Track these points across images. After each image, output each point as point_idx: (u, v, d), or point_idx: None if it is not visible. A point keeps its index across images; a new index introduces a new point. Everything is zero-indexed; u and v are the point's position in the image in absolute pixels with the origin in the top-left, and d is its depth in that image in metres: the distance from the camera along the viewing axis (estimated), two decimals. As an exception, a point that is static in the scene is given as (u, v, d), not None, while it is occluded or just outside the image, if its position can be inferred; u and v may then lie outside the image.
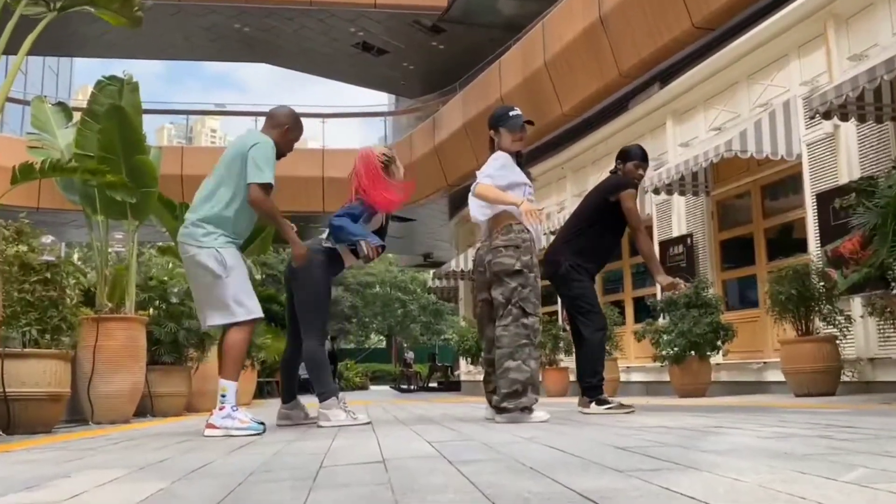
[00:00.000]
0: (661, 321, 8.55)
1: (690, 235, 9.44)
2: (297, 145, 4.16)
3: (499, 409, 3.90)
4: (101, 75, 6.77)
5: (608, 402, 4.58)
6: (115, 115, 6.06)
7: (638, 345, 9.47)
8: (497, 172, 4.06)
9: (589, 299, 4.78)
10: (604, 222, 4.84)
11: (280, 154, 3.94)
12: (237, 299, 3.68)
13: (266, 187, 3.71)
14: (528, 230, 4.00)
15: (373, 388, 28.81)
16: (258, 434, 3.50)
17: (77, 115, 7.09)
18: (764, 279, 7.96)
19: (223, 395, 3.61)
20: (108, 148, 6.07)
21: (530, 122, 4.27)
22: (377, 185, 4.25)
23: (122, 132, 6.08)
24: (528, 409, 3.84)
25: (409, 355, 27.71)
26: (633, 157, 4.97)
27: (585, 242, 4.82)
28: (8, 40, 4.64)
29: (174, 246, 10.11)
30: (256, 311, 3.72)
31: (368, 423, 4.04)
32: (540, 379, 4.08)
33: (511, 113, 4.24)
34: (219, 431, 3.52)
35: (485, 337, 4.21)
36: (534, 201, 4.12)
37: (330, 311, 4.48)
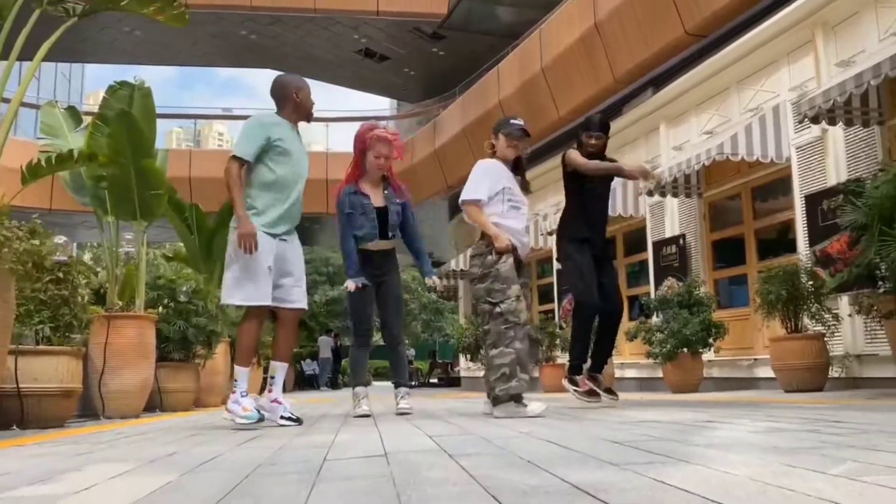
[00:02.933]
0: (653, 320, 8.55)
1: (683, 236, 9.44)
2: None
3: (494, 401, 3.85)
4: (114, 81, 6.76)
5: (576, 385, 4.63)
6: (124, 120, 6.06)
7: (631, 342, 9.47)
8: (476, 186, 4.02)
9: (577, 276, 4.78)
10: (579, 191, 4.94)
11: (306, 117, 3.91)
12: (236, 282, 3.65)
13: (234, 158, 3.68)
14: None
15: (375, 383, 28.78)
16: (252, 422, 3.53)
17: (87, 120, 7.09)
18: (754, 278, 7.95)
19: (235, 381, 3.70)
20: (117, 151, 6.07)
21: (526, 133, 4.20)
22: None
23: (131, 137, 6.07)
24: (518, 398, 3.77)
25: (410, 352, 27.69)
26: (586, 128, 5.05)
27: (571, 213, 4.91)
28: (22, 46, 4.63)
29: (181, 250, 10.13)
30: (251, 300, 3.65)
31: (366, 416, 4.23)
32: (533, 366, 4.05)
33: (512, 121, 4.24)
34: (228, 415, 3.62)
35: None
36: (518, 205, 4.10)
37: (362, 307, 4.62)
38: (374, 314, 4.75)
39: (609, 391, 4.86)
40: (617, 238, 10.95)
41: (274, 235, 3.74)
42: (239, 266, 3.65)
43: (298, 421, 3.71)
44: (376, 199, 4.62)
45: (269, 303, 3.71)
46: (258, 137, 3.71)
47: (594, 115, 5.18)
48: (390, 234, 4.62)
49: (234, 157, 3.68)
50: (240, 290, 3.66)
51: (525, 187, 4.23)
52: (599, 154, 4.99)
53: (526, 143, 4.21)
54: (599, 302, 4.73)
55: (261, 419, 3.59)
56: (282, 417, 3.68)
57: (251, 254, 3.58)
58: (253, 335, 3.77)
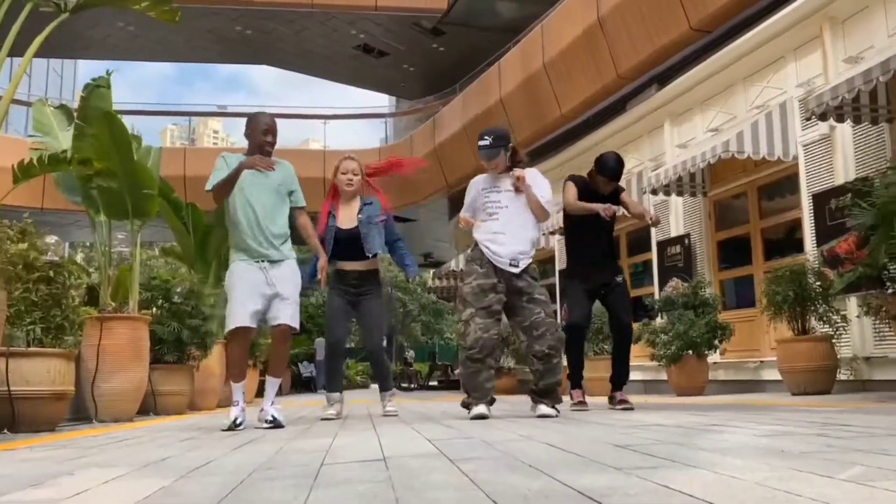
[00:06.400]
0: (658, 321, 8.55)
1: (688, 235, 9.44)
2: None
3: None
4: (91, 78, 6.70)
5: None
6: (107, 121, 6.04)
7: (635, 343, 9.47)
8: (464, 206, 4.45)
9: (566, 300, 5.24)
10: (572, 222, 5.11)
11: (258, 150, 4.13)
12: (227, 313, 4.01)
13: (208, 191, 4.03)
14: (479, 249, 4.27)
15: (373, 386, 28.82)
16: (226, 427, 3.78)
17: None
18: (761, 279, 7.95)
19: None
20: (101, 152, 6.04)
21: (488, 149, 4.31)
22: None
23: (114, 136, 6.04)
24: (465, 406, 4.19)
25: (410, 354, 27.69)
26: (600, 170, 5.06)
27: (568, 247, 5.31)
28: (13, 42, 4.63)
29: (176, 247, 10.13)
30: (228, 326, 3.95)
31: (331, 420, 4.50)
32: (487, 387, 4.16)
33: (479, 143, 4.35)
34: None
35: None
36: (494, 212, 4.28)
37: (331, 321, 4.93)
38: (349, 327, 5.09)
39: (622, 401, 4.90)
40: (621, 238, 10.95)
41: (255, 261, 3.99)
42: (228, 298, 4.03)
43: (274, 423, 3.87)
44: (345, 220, 4.85)
45: (244, 324, 3.93)
46: (222, 171, 4.03)
47: (609, 156, 5.11)
48: (369, 255, 4.83)
49: (208, 191, 4.06)
50: (227, 317, 4.00)
51: (516, 188, 4.29)
52: (609, 197, 5.07)
53: (493, 161, 4.32)
54: (582, 320, 5.06)
55: (231, 427, 3.78)
56: (266, 422, 3.92)
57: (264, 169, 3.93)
58: (235, 355, 4.10)
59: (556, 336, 4.15)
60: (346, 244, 4.78)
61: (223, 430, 3.72)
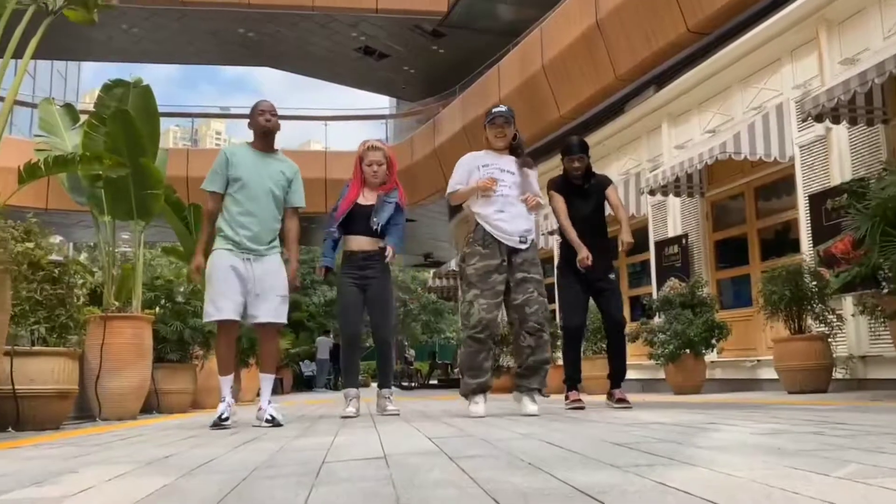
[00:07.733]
0: (655, 320, 8.55)
1: (686, 236, 9.44)
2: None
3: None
4: (108, 79, 6.76)
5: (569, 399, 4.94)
6: (121, 119, 6.05)
7: (633, 342, 9.46)
8: (451, 180, 4.32)
9: (562, 301, 5.13)
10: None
11: (261, 135, 4.12)
12: (207, 301, 3.93)
13: (207, 193, 4.02)
14: (482, 229, 4.18)
15: (374, 385, 28.81)
16: (212, 422, 3.77)
17: (84, 118, 7.09)
18: (758, 279, 7.95)
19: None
20: (113, 150, 6.06)
21: (507, 117, 4.29)
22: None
23: (128, 135, 6.07)
24: (467, 396, 4.12)
25: (410, 353, 27.68)
26: (566, 152, 5.18)
27: (561, 242, 5.23)
28: (17, 44, 4.63)
29: (178, 246, 10.13)
30: (212, 315, 3.89)
31: (352, 417, 4.39)
32: (485, 367, 4.12)
33: (493, 110, 4.37)
34: None
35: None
36: (496, 180, 4.20)
37: (345, 311, 4.78)
38: (362, 317, 4.83)
39: (620, 400, 4.90)
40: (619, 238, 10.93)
41: (241, 253, 3.92)
42: (207, 286, 3.95)
43: (273, 422, 3.83)
44: (366, 199, 4.78)
45: (227, 317, 3.87)
46: (219, 168, 4.03)
47: (572, 137, 5.33)
48: (374, 228, 4.70)
49: (205, 190, 4.03)
50: (207, 307, 3.94)
51: (529, 165, 4.33)
52: (584, 174, 5.13)
53: (509, 127, 4.31)
54: (579, 322, 5.10)
55: (217, 423, 3.75)
56: (266, 421, 3.87)
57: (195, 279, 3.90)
58: (223, 348, 4.03)
59: (546, 314, 4.19)
60: (358, 218, 4.71)
61: (210, 428, 3.70)
